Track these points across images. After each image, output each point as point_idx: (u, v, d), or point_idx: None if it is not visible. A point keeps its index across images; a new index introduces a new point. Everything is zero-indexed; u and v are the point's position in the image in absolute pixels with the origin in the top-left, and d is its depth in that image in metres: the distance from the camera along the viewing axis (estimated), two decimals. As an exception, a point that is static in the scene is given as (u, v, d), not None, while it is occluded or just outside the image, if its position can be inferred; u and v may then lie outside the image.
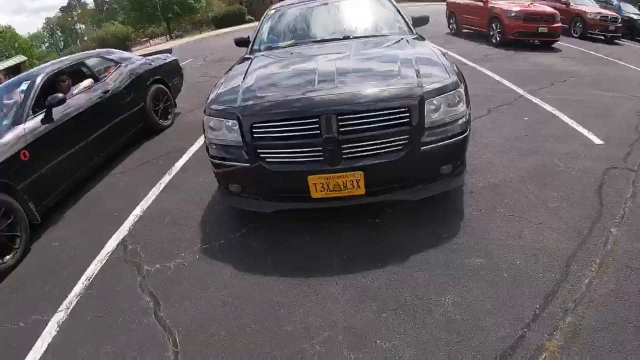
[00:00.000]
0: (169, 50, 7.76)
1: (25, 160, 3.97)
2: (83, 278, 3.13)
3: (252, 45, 4.72)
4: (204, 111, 3.15)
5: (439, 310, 2.28)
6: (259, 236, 3.23)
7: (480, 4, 11.96)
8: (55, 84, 5.07)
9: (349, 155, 2.70)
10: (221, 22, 35.44)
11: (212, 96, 3.26)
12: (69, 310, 2.81)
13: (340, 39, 4.22)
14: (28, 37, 63.89)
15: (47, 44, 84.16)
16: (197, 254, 3.15)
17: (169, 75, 6.97)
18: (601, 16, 13.17)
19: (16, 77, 5.57)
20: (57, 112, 4.49)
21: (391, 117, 2.68)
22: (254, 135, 2.80)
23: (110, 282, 3.03)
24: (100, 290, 2.98)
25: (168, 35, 38.83)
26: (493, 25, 11.31)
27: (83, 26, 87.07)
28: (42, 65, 5.66)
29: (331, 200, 2.85)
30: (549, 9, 11.23)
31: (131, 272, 3.08)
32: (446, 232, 2.94)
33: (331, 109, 2.64)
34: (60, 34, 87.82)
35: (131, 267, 3.14)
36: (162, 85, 6.63)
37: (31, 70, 5.70)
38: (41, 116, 4.35)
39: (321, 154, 2.69)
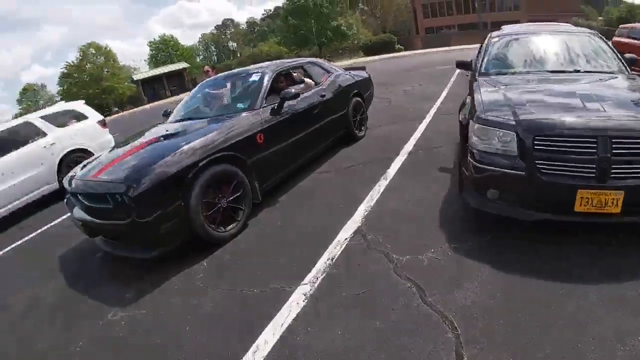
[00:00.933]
0: (363, 68, 8.24)
1: (259, 142, 4.56)
2: (324, 257, 3.42)
3: (480, 68, 4.99)
4: (472, 120, 3.41)
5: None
6: (506, 242, 3.29)
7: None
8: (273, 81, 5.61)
9: (616, 175, 2.87)
10: (371, 49, 36.80)
11: (478, 109, 3.51)
12: (316, 285, 3.08)
13: (571, 72, 4.42)
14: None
15: (201, 57, 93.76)
16: (448, 251, 3.27)
17: (364, 90, 7.45)
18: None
19: (238, 69, 6.45)
20: (285, 105, 5.06)
21: None
22: (535, 147, 3.02)
23: (358, 265, 3.26)
24: (348, 270, 3.22)
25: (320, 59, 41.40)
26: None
27: (235, 44, 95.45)
28: (267, 63, 6.35)
29: (589, 215, 2.99)
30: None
31: (379, 258, 3.29)
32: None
33: (609, 132, 2.89)
34: (213, 49, 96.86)
35: (378, 255, 3.35)
36: (359, 99, 7.10)
37: (258, 65, 6.49)
38: (273, 106, 4.93)
39: (593, 170, 2.89)
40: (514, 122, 3.18)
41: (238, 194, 4.18)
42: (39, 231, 6.13)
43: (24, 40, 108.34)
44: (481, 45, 6.78)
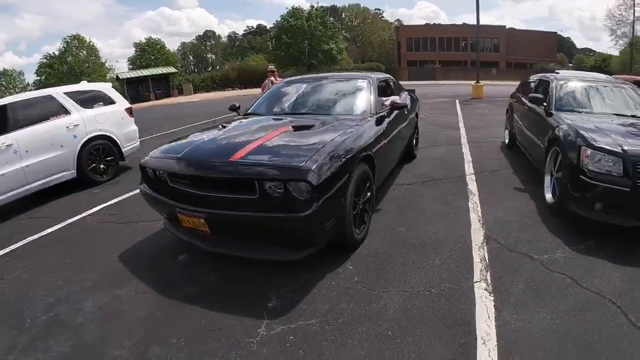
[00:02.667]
0: (413, 90, 8.67)
1: (382, 147, 4.68)
2: (475, 259, 3.74)
3: (555, 104, 5.87)
4: (584, 146, 4.19)
5: None
6: (607, 245, 3.96)
7: None
8: None
9: None
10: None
11: (586, 137, 4.32)
12: (489, 282, 3.35)
13: (629, 116, 5.42)
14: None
15: (179, 65, 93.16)
16: (572, 252, 3.84)
17: (418, 111, 8.02)
18: None
19: (332, 73, 6.54)
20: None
21: None
22: (636, 170, 3.87)
23: (510, 263, 3.66)
24: (506, 269, 3.57)
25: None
26: None
27: (213, 56, 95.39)
28: (365, 73, 6.24)
29: None
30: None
31: (523, 258, 3.75)
32: None
33: None
34: (192, 58, 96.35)
35: (520, 255, 3.80)
36: (416, 119, 7.64)
37: (351, 73, 6.73)
38: (383, 113, 5.08)
39: None
40: (621, 151, 3.99)
41: (369, 196, 4.14)
42: (65, 222, 5.42)
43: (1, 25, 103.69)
44: (525, 83, 7.69)
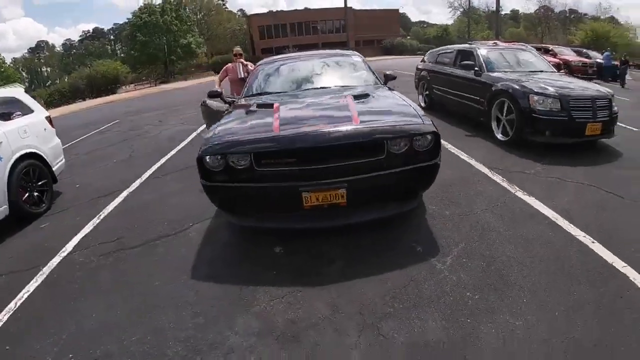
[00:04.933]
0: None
1: None
2: (497, 180, 5.09)
3: (485, 67, 7.51)
4: (532, 94, 5.99)
5: None
6: (558, 158, 5.80)
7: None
8: None
9: (597, 117, 5.99)
10: (219, 68, 38.09)
11: (530, 87, 6.12)
12: (522, 190, 4.66)
13: (537, 71, 7.53)
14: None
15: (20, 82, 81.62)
16: (542, 165, 5.61)
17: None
18: (582, 63, 16.76)
19: (322, 51, 6.46)
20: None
21: None
22: (569, 105, 5.72)
23: (518, 178, 5.08)
24: (520, 181, 4.97)
25: (155, 81, 40.81)
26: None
27: (49, 69, 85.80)
28: (346, 50, 6.89)
29: (592, 136, 6.06)
30: (553, 60, 14.46)
31: (522, 175, 5.30)
32: None
33: (595, 97, 6.10)
34: (25, 75, 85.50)
35: (518, 173, 5.32)
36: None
37: (336, 51, 6.65)
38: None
39: (591, 114, 5.91)
40: (557, 94, 5.80)
41: None
42: (45, 272, 3.81)
43: None
44: (433, 58, 9.56)
